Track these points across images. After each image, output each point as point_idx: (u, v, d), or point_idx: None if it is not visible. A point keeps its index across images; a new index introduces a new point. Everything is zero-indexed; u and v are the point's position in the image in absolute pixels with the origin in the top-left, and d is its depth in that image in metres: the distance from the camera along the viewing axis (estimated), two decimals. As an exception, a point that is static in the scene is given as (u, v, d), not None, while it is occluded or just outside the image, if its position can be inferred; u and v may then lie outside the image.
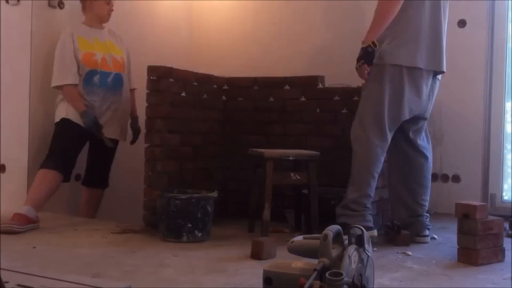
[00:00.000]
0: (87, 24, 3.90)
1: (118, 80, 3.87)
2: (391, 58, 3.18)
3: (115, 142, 3.92)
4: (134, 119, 4.04)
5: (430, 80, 3.28)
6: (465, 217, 2.84)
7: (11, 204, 3.86)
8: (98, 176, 3.96)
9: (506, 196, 4.24)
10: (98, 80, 3.77)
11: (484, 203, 3.03)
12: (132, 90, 4.04)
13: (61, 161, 3.61)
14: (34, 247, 2.91)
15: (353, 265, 1.93)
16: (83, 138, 3.80)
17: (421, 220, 3.35)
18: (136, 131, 4.02)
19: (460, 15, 4.18)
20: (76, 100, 3.71)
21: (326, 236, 1.95)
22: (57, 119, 3.76)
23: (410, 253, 3.03)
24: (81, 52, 3.75)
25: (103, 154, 3.91)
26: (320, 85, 3.93)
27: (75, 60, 3.74)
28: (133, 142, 4.05)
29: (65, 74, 3.72)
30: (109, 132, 3.82)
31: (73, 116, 3.71)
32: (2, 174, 3.88)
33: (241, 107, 4.13)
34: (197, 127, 3.84)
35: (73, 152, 3.73)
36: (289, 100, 3.99)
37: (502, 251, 2.91)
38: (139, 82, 3.94)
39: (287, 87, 3.99)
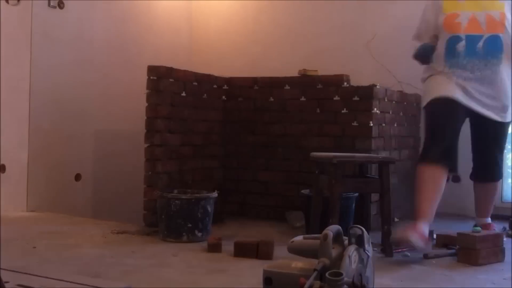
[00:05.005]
0: None
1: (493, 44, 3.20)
2: None
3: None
4: None
5: None
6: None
7: (11, 204, 3.87)
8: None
9: (506, 196, 4.23)
10: (463, 47, 3.20)
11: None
12: None
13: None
14: (34, 247, 2.91)
15: (353, 265, 1.92)
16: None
17: None
18: None
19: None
20: None
21: (326, 236, 1.95)
22: None
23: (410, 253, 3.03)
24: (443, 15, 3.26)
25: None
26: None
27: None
28: None
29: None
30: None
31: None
32: (2, 174, 3.88)
33: (241, 107, 4.12)
34: (197, 127, 3.84)
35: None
36: (289, 100, 3.98)
37: (502, 251, 2.91)
38: (138, 82, 3.83)
39: (287, 87, 3.99)
